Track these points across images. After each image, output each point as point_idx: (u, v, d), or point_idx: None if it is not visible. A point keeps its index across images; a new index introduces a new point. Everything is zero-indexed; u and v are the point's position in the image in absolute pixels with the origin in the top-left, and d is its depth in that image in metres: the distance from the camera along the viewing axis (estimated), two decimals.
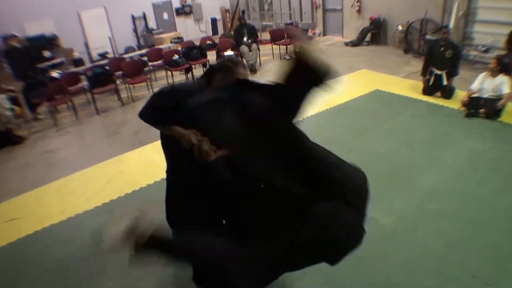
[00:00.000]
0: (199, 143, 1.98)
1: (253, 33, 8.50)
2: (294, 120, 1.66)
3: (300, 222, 1.63)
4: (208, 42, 9.58)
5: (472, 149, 4.14)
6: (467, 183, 3.55)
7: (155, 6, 12.25)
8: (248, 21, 9.47)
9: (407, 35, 8.43)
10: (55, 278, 2.96)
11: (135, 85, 7.77)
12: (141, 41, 11.86)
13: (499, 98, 4.79)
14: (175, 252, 1.86)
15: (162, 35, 11.18)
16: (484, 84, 4.98)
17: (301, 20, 11.70)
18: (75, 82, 7.43)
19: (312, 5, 11.24)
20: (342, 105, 5.76)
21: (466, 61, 7.07)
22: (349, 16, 10.23)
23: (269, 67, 8.58)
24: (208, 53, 8.69)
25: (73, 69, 8.74)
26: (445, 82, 5.54)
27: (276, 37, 9.34)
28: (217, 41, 9.48)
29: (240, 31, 8.48)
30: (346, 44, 9.84)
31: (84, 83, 7.44)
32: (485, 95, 4.92)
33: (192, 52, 8.26)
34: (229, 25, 13.55)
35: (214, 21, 13.53)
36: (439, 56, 5.56)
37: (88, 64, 9.37)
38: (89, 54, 10.64)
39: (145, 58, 8.69)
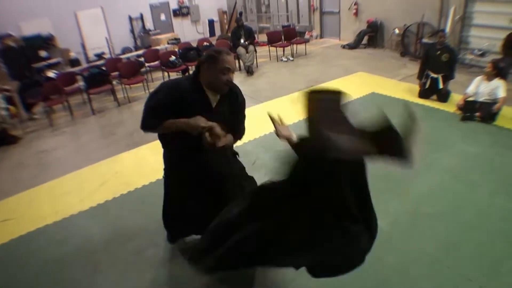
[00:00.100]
0: (210, 127, 2.08)
1: (250, 35, 8.51)
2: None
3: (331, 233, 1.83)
4: (205, 43, 9.56)
5: (467, 152, 4.15)
6: (462, 186, 3.56)
7: (152, 7, 12.24)
8: (245, 23, 9.49)
9: (403, 38, 8.47)
10: (48, 279, 2.93)
11: (131, 85, 7.75)
12: (138, 42, 11.84)
13: (494, 102, 4.81)
14: None
15: (159, 36, 11.16)
16: (480, 88, 5.01)
17: (299, 22, 11.72)
18: (71, 82, 7.39)
19: (310, 8, 11.26)
20: None
21: (462, 65, 7.11)
22: (346, 19, 10.26)
23: (266, 69, 8.59)
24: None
25: (70, 69, 8.70)
26: (441, 86, 5.56)
27: (273, 39, 9.36)
28: (214, 42, 9.48)
29: (237, 32, 8.49)
30: (343, 46, 9.87)
31: (80, 83, 7.41)
32: (481, 99, 4.95)
33: (189, 54, 8.25)
34: (226, 26, 13.54)
35: (211, 23, 13.53)
36: (436, 59, 5.59)
37: (84, 65, 9.32)
38: (85, 54, 10.61)
39: (142, 59, 8.66)
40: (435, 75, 5.60)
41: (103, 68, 7.67)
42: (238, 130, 2.45)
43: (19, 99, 6.84)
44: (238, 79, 7.86)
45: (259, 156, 4.39)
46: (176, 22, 12.91)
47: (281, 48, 9.34)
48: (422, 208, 3.29)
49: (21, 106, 6.86)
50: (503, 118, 4.82)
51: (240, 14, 12.62)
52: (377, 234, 1.96)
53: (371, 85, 6.57)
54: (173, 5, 12.77)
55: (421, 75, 5.83)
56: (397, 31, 8.67)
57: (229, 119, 2.35)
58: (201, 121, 2.13)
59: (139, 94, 7.65)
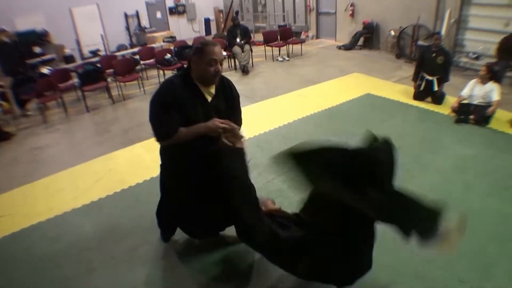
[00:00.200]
0: (230, 129, 2.15)
1: (246, 34, 8.50)
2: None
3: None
4: None
5: (460, 155, 4.18)
6: (455, 188, 3.58)
7: (148, 5, 12.18)
8: (241, 22, 9.46)
9: (399, 40, 8.51)
10: (41, 276, 2.91)
11: (126, 83, 7.70)
12: (134, 40, 11.78)
13: (488, 105, 4.86)
14: None
15: (155, 34, 11.11)
16: (474, 90, 5.05)
17: (295, 22, 11.73)
18: (66, 79, 7.33)
19: (306, 8, 11.28)
20: (333, 108, 5.79)
21: (457, 68, 7.17)
22: (342, 19, 10.29)
23: (261, 68, 8.59)
24: None
25: (64, 65, 8.64)
26: (436, 88, 5.60)
27: (269, 38, 9.36)
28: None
29: (233, 31, 8.48)
30: (339, 47, 9.89)
31: (75, 80, 7.36)
32: (475, 102, 4.99)
33: (185, 52, 8.22)
34: (222, 25, 13.53)
35: (207, 21, 13.50)
36: (431, 62, 5.62)
37: (79, 61, 9.26)
38: (80, 51, 10.54)
39: (137, 57, 8.61)
40: (430, 77, 5.63)
41: (98, 65, 7.61)
42: (238, 124, 2.45)
43: (12, 95, 6.77)
44: (234, 78, 7.84)
45: (254, 155, 4.39)
46: (172, 20, 12.87)
47: (277, 48, 9.34)
48: None
49: (15, 102, 6.80)
50: (497, 121, 4.86)
51: (237, 13, 12.58)
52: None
53: (366, 86, 6.60)
54: (169, 3, 12.71)
55: (416, 77, 5.86)
56: (392, 33, 8.71)
57: (226, 113, 2.35)
58: (218, 122, 2.14)
59: (134, 91, 7.61)
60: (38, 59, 8.70)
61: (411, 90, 5.95)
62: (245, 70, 8.18)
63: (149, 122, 2.25)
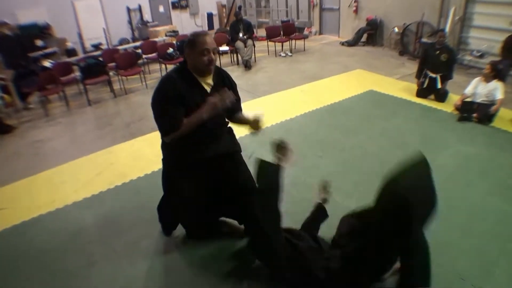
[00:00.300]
0: (227, 95, 2.17)
1: (248, 29, 8.46)
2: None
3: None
4: None
5: (463, 153, 4.16)
6: (457, 186, 3.57)
7: None
8: (244, 17, 9.43)
9: (403, 37, 8.46)
10: (42, 269, 2.91)
11: (128, 77, 7.69)
12: (136, 33, 11.75)
13: (492, 103, 4.83)
14: None
15: (157, 28, 11.07)
16: (478, 89, 5.02)
17: (298, 18, 11.68)
18: (68, 72, 7.33)
19: (309, 4, 11.22)
20: (336, 104, 5.77)
21: (460, 66, 7.13)
22: (346, 16, 10.24)
23: (264, 63, 8.56)
24: None
25: (66, 59, 8.61)
26: (439, 85, 5.57)
27: (272, 34, 9.33)
28: (213, 35, 9.41)
29: (236, 26, 8.44)
30: (342, 43, 9.86)
31: (77, 73, 7.35)
32: (478, 100, 4.96)
33: None
34: (225, 20, 13.47)
35: (210, 16, 13.44)
36: (434, 59, 5.59)
37: (81, 55, 9.24)
38: (82, 44, 10.52)
39: (139, 51, 8.60)
40: (433, 75, 5.61)
41: (100, 58, 7.60)
42: (240, 110, 2.52)
43: (14, 88, 6.76)
44: (236, 73, 7.83)
45: (255, 150, 4.38)
46: (175, 14, 12.82)
47: (280, 43, 9.31)
48: None
49: (16, 96, 6.79)
50: (500, 120, 4.83)
51: (239, 8, 12.54)
52: None
53: (369, 83, 6.57)
54: None
55: (420, 74, 5.83)
56: (396, 29, 8.67)
57: None
58: (212, 98, 2.15)
59: (136, 85, 7.60)
60: (40, 52, 8.67)
61: (414, 87, 5.92)
62: (247, 65, 8.15)
63: (154, 120, 2.27)
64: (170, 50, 8.02)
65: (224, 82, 2.42)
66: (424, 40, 7.74)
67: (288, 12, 11.79)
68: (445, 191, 3.49)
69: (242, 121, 2.52)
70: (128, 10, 11.66)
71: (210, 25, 13.38)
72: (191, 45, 2.21)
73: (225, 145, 2.53)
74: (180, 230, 3.04)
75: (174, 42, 8.81)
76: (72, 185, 4.09)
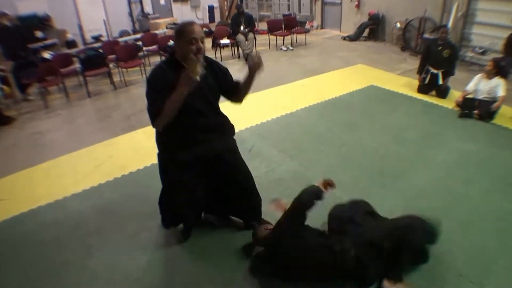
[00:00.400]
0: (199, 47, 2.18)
1: (250, 22, 8.41)
2: None
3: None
4: (204, 29, 9.45)
5: (464, 150, 4.15)
6: (457, 183, 3.56)
7: None
8: (245, 10, 9.37)
9: (405, 32, 8.42)
10: (41, 260, 2.91)
11: (128, 69, 7.65)
12: (136, 26, 11.68)
13: (493, 100, 4.80)
14: None
15: (158, 20, 10.99)
16: (480, 85, 4.99)
17: (299, 12, 11.61)
18: (67, 63, 7.28)
19: None
20: (336, 99, 5.75)
21: (462, 62, 7.09)
22: (348, 10, 10.18)
23: (265, 57, 8.40)
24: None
25: (66, 50, 8.57)
26: (441, 81, 5.54)
27: (274, 27, 9.27)
28: (213, 28, 9.38)
29: (237, 19, 8.39)
30: (344, 38, 9.81)
31: (77, 65, 7.31)
32: (480, 97, 4.94)
33: None
34: (227, 13, 13.38)
35: (211, 9, 13.36)
36: (437, 55, 5.55)
37: (81, 46, 9.19)
38: (82, 36, 10.44)
39: (140, 43, 8.55)
40: (435, 71, 5.58)
41: (100, 50, 7.56)
42: (237, 86, 2.50)
43: (13, 79, 6.72)
44: (237, 66, 7.80)
45: (255, 144, 4.37)
46: (176, 7, 12.72)
47: (281, 37, 9.27)
48: (417, 203, 3.28)
49: (16, 87, 6.76)
50: (501, 117, 4.81)
51: (241, 1, 12.47)
52: None
53: (370, 78, 6.55)
54: None
55: (421, 70, 5.80)
56: (398, 25, 8.62)
57: (219, 87, 2.45)
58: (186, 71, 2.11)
59: (136, 78, 7.57)
60: (40, 43, 8.61)
61: (415, 83, 5.89)
62: (248, 59, 8.09)
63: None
64: (171, 42, 7.97)
65: (214, 69, 2.42)
66: (426, 35, 7.69)
67: (289, 6, 11.72)
68: (445, 188, 3.50)
69: (247, 82, 2.47)
70: (129, 2, 11.58)
71: (211, 18, 13.30)
72: (179, 34, 2.21)
73: (220, 144, 2.53)
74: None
75: None
76: (71, 177, 4.08)
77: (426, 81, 5.69)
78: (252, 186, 2.80)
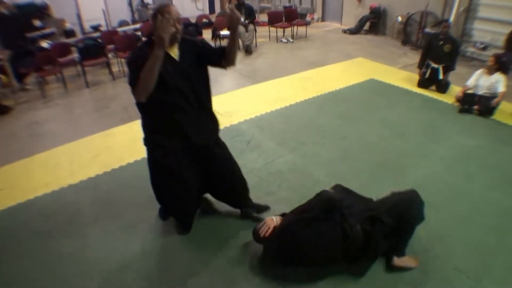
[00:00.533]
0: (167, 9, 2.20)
1: (250, 14, 8.34)
2: None
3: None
4: (204, 20, 9.40)
5: (463, 145, 4.14)
6: (456, 178, 3.55)
7: None
8: (246, 1, 9.27)
9: (406, 26, 8.36)
10: (37, 250, 2.90)
11: None
12: (136, 16, 11.58)
13: (493, 96, 4.79)
14: None
15: None
16: (480, 81, 4.97)
17: (300, 4, 11.51)
18: (66, 53, 7.20)
19: None
20: (336, 92, 5.72)
21: (463, 58, 7.05)
22: (349, 3, 10.10)
23: (265, 49, 8.47)
24: (204, 31, 8.53)
25: (64, 40, 8.48)
26: (441, 76, 5.52)
27: (274, 19, 9.19)
28: (213, 19, 9.30)
29: (238, 10, 8.30)
30: (344, 31, 9.75)
31: (75, 54, 7.23)
32: (480, 92, 4.92)
33: (188, 29, 8.08)
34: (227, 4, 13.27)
35: None
36: (438, 49, 5.52)
37: (79, 36, 9.10)
38: (81, 25, 10.34)
39: (139, 33, 8.47)
40: (436, 65, 5.55)
41: (99, 40, 7.48)
42: (223, 50, 2.47)
43: (11, 68, 6.66)
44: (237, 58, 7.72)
45: (254, 136, 4.34)
46: None
47: (282, 29, 9.20)
48: None
49: (13, 76, 6.69)
50: (501, 113, 4.80)
51: None
52: None
53: (370, 72, 6.52)
54: None
55: (422, 64, 5.77)
56: (400, 18, 8.55)
57: (205, 60, 2.47)
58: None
59: None
60: (38, 32, 8.51)
61: (416, 77, 5.87)
62: (248, 50, 8.06)
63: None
64: None
65: (192, 46, 2.44)
66: (428, 30, 7.64)
67: None
68: (445, 183, 3.49)
69: (230, 41, 2.44)
70: None
71: (211, 9, 13.20)
72: (155, 15, 2.22)
73: (205, 135, 2.60)
74: None
75: None
76: (69, 168, 4.06)
77: (427, 76, 5.67)
78: (238, 175, 2.88)
